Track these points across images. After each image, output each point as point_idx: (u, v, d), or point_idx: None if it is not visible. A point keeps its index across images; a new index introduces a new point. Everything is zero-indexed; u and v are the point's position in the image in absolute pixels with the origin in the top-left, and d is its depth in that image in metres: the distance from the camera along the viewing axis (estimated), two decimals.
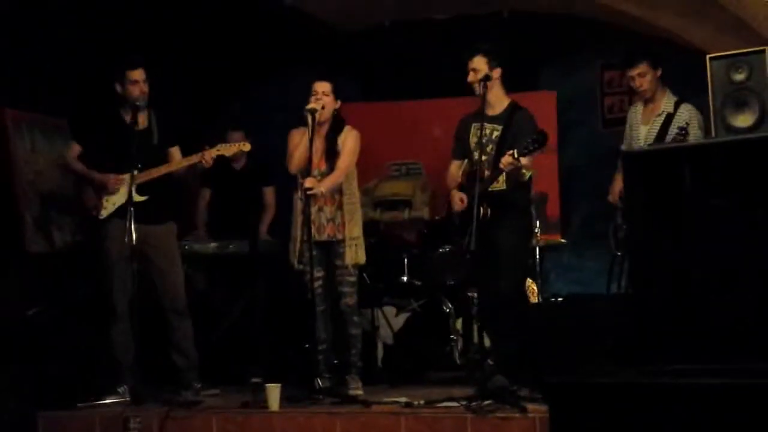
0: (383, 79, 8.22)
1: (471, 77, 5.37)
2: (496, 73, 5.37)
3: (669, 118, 5.60)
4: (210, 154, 5.53)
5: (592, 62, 7.86)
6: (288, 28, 7.62)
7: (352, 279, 5.52)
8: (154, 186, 5.56)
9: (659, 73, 5.66)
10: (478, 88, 5.33)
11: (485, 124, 5.33)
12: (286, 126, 5.67)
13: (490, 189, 5.25)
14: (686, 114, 5.54)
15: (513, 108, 5.43)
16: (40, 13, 6.28)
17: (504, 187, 5.32)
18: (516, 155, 5.03)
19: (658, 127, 5.62)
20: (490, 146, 5.36)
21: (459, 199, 5.38)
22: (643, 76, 5.64)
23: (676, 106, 5.61)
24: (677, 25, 6.65)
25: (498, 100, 5.43)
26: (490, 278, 5.30)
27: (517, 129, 5.30)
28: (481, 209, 5.15)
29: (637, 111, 5.82)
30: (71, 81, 6.64)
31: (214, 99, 7.94)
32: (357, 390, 5.42)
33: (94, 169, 5.66)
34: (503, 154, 5.14)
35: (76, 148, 5.74)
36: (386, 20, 7.95)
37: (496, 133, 5.37)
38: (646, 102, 5.74)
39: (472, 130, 5.43)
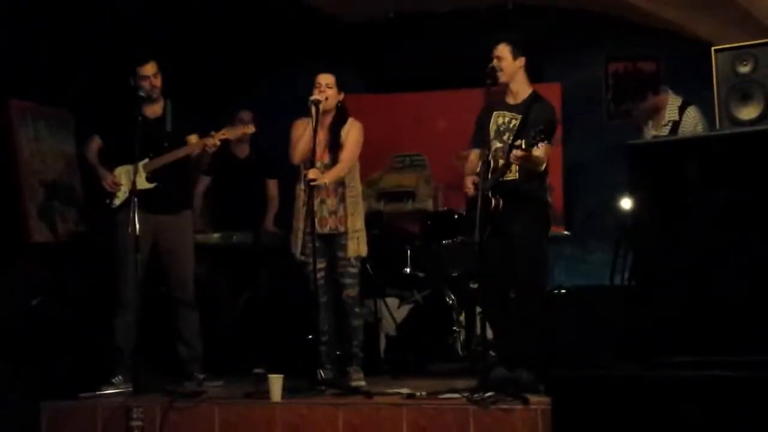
0: (387, 71, 8.21)
1: (495, 64, 5.36)
2: (520, 62, 5.34)
3: (675, 125, 5.58)
4: (215, 139, 5.53)
5: (597, 54, 7.85)
6: (292, 20, 7.61)
7: (354, 270, 5.52)
8: (167, 175, 5.57)
9: (663, 93, 5.65)
10: (500, 76, 5.32)
11: (505, 112, 5.33)
12: (289, 118, 5.66)
13: (503, 179, 5.21)
14: (691, 122, 5.52)
15: (534, 98, 5.38)
16: (45, 4, 6.27)
17: (516, 177, 5.27)
18: (524, 146, 5.01)
19: (665, 135, 5.60)
20: (507, 134, 5.32)
21: (471, 182, 5.33)
22: (656, 108, 5.64)
23: (681, 111, 5.59)
24: (682, 18, 6.64)
25: (521, 89, 5.39)
26: (501, 270, 5.27)
27: (533, 119, 5.26)
28: (493, 201, 5.13)
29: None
30: (75, 72, 6.64)
31: (217, 92, 7.93)
32: (359, 381, 5.42)
33: (113, 161, 5.66)
34: (515, 145, 5.12)
35: (95, 142, 5.79)
36: (390, 12, 7.94)
37: (514, 122, 5.33)
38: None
39: (493, 118, 5.41)
